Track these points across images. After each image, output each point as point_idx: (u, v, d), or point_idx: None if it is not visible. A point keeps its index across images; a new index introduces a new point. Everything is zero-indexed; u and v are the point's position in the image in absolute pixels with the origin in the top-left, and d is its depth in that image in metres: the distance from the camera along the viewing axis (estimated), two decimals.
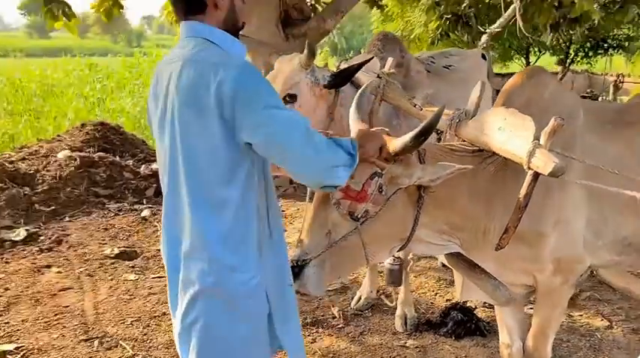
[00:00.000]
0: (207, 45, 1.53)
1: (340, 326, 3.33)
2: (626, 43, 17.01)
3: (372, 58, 2.81)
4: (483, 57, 4.04)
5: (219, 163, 1.51)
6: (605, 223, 2.10)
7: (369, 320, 3.41)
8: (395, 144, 1.72)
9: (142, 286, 3.92)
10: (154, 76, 1.63)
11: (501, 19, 11.53)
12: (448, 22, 9.01)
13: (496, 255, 2.00)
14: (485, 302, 3.58)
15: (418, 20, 14.09)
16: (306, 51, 2.63)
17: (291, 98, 2.65)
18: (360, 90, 2.11)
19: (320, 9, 7.04)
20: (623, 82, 19.00)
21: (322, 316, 3.44)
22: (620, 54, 18.67)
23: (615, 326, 3.40)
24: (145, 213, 5.41)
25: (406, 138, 1.69)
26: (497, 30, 11.07)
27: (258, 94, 1.47)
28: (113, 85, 14.21)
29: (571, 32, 7.54)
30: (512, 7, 10.57)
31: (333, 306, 3.54)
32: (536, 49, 16.74)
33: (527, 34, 11.90)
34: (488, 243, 2.00)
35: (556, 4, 6.36)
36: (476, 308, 3.50)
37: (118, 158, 6.45)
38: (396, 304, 3.33)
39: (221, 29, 1.56)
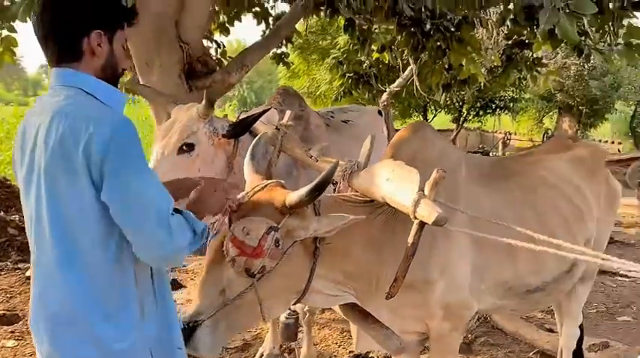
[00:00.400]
0: (81, 96, 1.43)
1: None
2: (511, 104, 18.68)
3: (271, 108, 2.85)
4: (379, 113, 4.25)
5: (90, 225, 1.41)
6: (488, 269, 2.22)
7: None
8: (291, 197, 1.73)
9: (21, 353, 3.56)
10: (21, 126, 1.50)
11: (400, 79, 12.34)
12: (350, 80, 9.41)
13: (389, 303, 2.04)
14: (387, 353, 3.62)
15: (323, 78, 14.71)
16: (204, 101, 2.62)
17: (188, 147, 2.59)
18: (254, 141, 2.13)
19: (225, 63, 7.14)
20: (510, 139, 20.83)
21: None
22: (507, 113, 20.41)
23: None
24: (30, 272, 4.97)
25: (302, 191, 1.71)
26: (396, 89, 11.79)
27: (128, 158, 1.39)
28: (2, 135, 13.29)
29: (462, 92, 8.13)
30: (409, 68, 11.38)
31: None
32: (432, 108, 17.91)
33: (423, 94, 12.77)
34: (380, 292, 2.03)
35: (447, 66, 6.85)
36: None
37: (2, 213, 5.98)
38: None
39: (99, 77, 1.48)
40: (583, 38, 6.47)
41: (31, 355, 3.53)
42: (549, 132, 20.92)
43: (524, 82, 13.71)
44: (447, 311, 2.14)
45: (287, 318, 2.43)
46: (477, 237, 2.07)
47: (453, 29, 6.16)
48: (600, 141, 22.18)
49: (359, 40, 8.60)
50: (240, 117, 2.84)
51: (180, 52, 5.79)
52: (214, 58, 6.76)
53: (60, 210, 1.40)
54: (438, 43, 6.41)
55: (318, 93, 15.14)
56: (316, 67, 15.39)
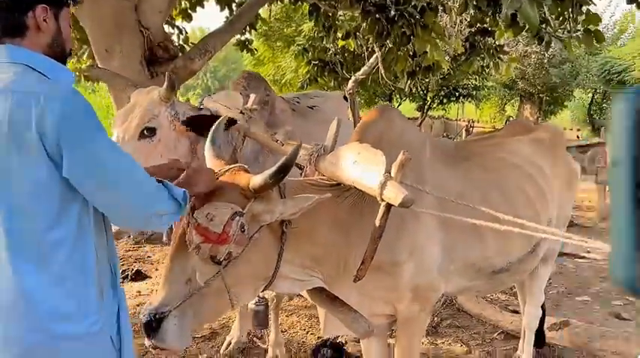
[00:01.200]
0: (28, 72, 1.36)
1: None
2: (474, 92, 18.97)
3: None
4: (345, 99, 4.24)
5: (45, 203, 1.36)
6: (456, 250, 2.23)
7: None
8: (255, 181, 1.69)
9: None
10: None
11: (365, 67, 12.35)
12: (316, 67, 9.35)
13: (357, 286, 2.03)
14: (355, 337, 3.64)
15: (289, 66, 14.59)
16: (166, 83, 2.53)
17: (149, 132, 2.51)
18: (214, 125, 2.07)
19: (187, 49, 6.99)
20: (473, 127, 21.16)
21: None
22: (470, 101, 20.73)
23: (473, 350, 3.61)
24: None
25: (266, 174, 1.67)
26: (361, 77, 11.80)
27: (85, 129, 1.35)
28: None
29: (426, 80, 8.19)
30: (374, 56, 11.40)
31: (200, 354, 3.37)
32: (397, 96, 18.03)
33: (388, 81, 12.81)
34: (348, 275, 2.02)
35: (411, 53, 6.87)
36: (346, 343, 3.52)
37: None
38: (268, 346, 3.24)
39: (46, 54, 1.42)
40: (544, 25, 6.60)
41: None
42: (511, 119, 21.34)
43: (486, 70, 13.90)
44: (416, 293, 2.14)
45: (257, 305, 2.37)
46: (445, 219, 2.08)
47: (417, 15, 6.17)
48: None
49: (324, 26, 8.55)
50: (205, 103, 2.77)
51: (140, 37, 5.64)
52: (177, 44, 6.63)
53: (10, 189, 1.33)
54: (403, 30, 6.41)
55: (283, 81, 15.02)
56: (281, 54, 15.28)
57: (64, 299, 1.39)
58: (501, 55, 8.33)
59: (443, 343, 3.71)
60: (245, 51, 9.30)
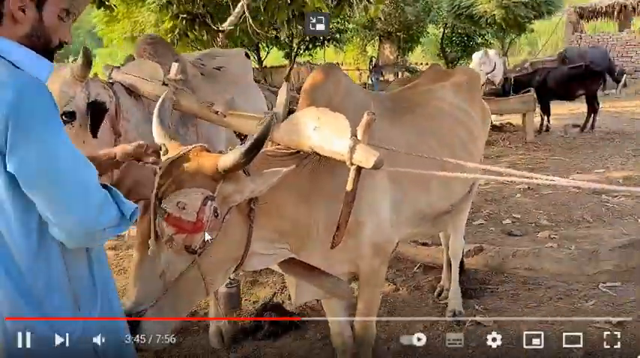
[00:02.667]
0: None
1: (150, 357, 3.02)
2: (338, 35, 19.25)
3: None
4: (247, 56, 4.06)
5: (4, 207, 1.25)
6: (405, 202, 2.30)
7: (182, 346, 3.14)
8: (225, 161, 1.57)
9: None
10: None
11: (232, 17, 11.91)
12: (185, 21, 8.80)
13: (323, 250, 2.02)
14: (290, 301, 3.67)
15: (147, 20, 13.57)
16: (81, 59, 2.21)
17: (68, 116, 2.22)
18: (159, 102, 1.87)
19: None
20: None
21: None
22: (334, 45, 21.02)
23: (401, 287, 3.82)
24: None
25: (236, 154, 1.56)
26: (230, 28, 11.39)
27: (37, 122, 1.22)
28: None
29: (299, 27, 8.11)
30: (239, 4, 11.00)
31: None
32: (264, 45, 17.74)
33: (258, 31, 12.51)
34: (313, 242, 2.01)
35: (289, 1, 6.74)
36: (284, 302, 3.54)
37: None
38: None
39: (26, 45, 1.29)
40: None
41: None
42: (373, 59, 22.07)
43: (349, 13, 14.09)
44: (376, 248, 2.19)
45: (229, 287, 2.26)
46: (393, 173, 2.13)
47: None
48: (417, 64, 24.08)
49: None
50: (114, 76, 2.47)
51: None
52: None
53: None
54: None
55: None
56: (137, 9, 14.12)
57: (29, 311, 1.30)
58: None
59: None
60: (102, 8, 8.48)
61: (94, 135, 2.26)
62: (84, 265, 1.38)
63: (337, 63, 23.48)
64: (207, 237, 1.57)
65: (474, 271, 3.92)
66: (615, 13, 19.76)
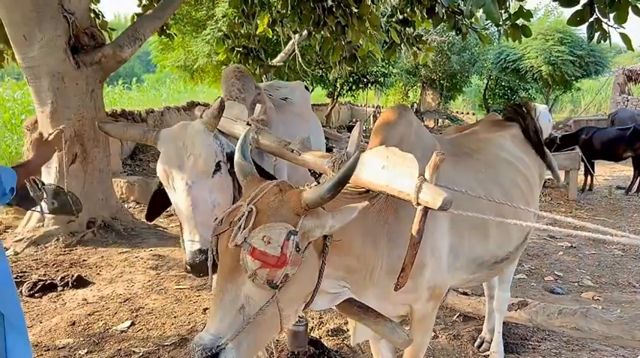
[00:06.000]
0: None
1: None
2: (382, 79, 19.53)
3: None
4: (306, 88, 4.18)
5: None
6: (463, 247, 2.30)
7: None
8: (309, 196, 1.58)
9: None
10: None
11: (282, 54, 12.26)
12: (239, 54, 9.11)
13: (378, 291, 2.03)
14: (330, 331, 3.66)
15: (201, 51, 14.09)
16: (215, 111, 2.28)
17: (218, 167, 2.27)
18: (241, 139, 1.92)
19: (105, 35, 6.50)
20: (380, 113, 21.82)
21: None
22: (377, 88, 21.31)
23: (440, 335, 3.76)
24: None
25: (321, 189, 1.57)
26: (279, 64, 11.72)
27: None
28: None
29: (348, 69, 8.26)
30: (290, 42, 11.33)
31: None
32: (309, 83, 18.12)
33: (305, 68, 12.81)
34: (373, 282, 2.01)
35: (344, 42, 6.91)
36: (321, 338, 3.53)
37: None
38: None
39: None
40: (460, 17, 6.93)
41: None
42: (415, 105, 22.23)
43: (397, 58, 14.35)
44: (432, 292, 2.18)
45: (297, 325, 2.23)
46: (454, 217, 2.14)
47: (353, 7, 6.21)
48: (458, 112, 24.13)
49: (243, 12, 8.37)
50: None
51: (64, 23, 5.19)
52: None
53: None
54: (338, 20, 6.43)
55: (195, 66, 14.49)
56: (190, 38, 14.70)
57: None
58: (420, 45, 8.62)
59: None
60: (163, 35, 8.89)
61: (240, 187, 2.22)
62: None
63: (378, 106, 23.77)
64: (289, 271, 1.57)
65: (516, 326, 3.84)
66: None
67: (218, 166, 2.27)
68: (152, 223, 6.62)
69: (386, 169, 1.87)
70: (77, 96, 5.40)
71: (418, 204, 1.77)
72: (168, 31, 8.94)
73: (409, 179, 1.79)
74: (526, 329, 3.86)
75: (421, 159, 1.83)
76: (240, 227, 1.53)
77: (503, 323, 3.57)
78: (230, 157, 2.33)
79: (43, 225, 5.53)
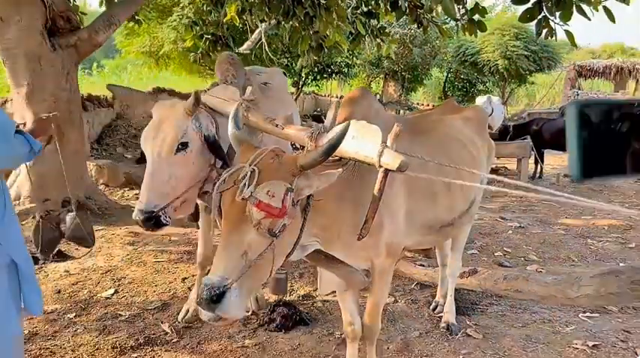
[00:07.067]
0: None
1: (175, 340, 3.33)
2: (346, 69, 19.86)
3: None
4: (284, 74, 4.51)
5: None
6: (416, 212, 2.67)
7: (200, 331, 3.48)
8: (304, 159, 1.90)
9: None
10: None
11: (248, 42, 12.43)
12: (208, 42, 9.28)
13: (346, 246, 2.38)
14: (301, 297, 4.01)
15: (167, 37, 14.11)
16: (192, 100, 2.68)
17: (182, 146, 2.67)
18: (232, 112, 2.23)
19: (78, 19, 6.61)
20: None
21: (153, 334, 3.37)
22: (340, 79, 21.64)
23: (399, 301, 4.16)
24: None
25: (315, 154, 1.89)
26: (245, 52, 11.90)
27: None
28: None
29: (314, 58, 8.56)
30: (257, 31, 11.52)
31: (162, 323, 3.50)
32: None
33: (272, 57, 13.00)
34: (340, 238, 2.36)
35: (311, 32, 7.21)
36: (292, 302, 3.87)
37: None
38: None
39: None
40: (421, 11, 7.33)
41: None
42: (377, 96, 22.69)
43: (362, 49, 14.70)
44: (390, 249, 2.53)
45: (279, 273, 2.59)
46: (410, 186, 2.52)
47: None
48: (418, 104, 24.74)
49: (212, 0, 8.55)
50: (204, 100, 2.88)
51: (41, 5, 5.32)
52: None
53: None
54: (306, 10, 6.72)
55: (161, 52, 14.50)
56: (156, 25, 14.69)
57: None
58: (383, 37, 9.01)
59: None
60: (132, 21, 8.96)
61: (223, 162, 2.79)
62: None
63: (342, 96, 24.04)
64: (286, 222, 1.87)
65: (467, 293, 4.28)
66: (612, 74, 20.59)
67: (184, 146, 2.68)
68: (125, 203, 6.83)
69: (355, 139, 2.21)
70: (53, 79, 5.54)
71: (380, 166, 2.12)
72: (136, 17, 9.02)
73: (373, 146, 2.12)
74: (476, 295, 4.30)
75: (382, 132, 2.18)
76: (245, 184, 1.82)
77: (456, 289, 4.00)
78: (207, 139, 2.78)
79: (19, 203, 5.66)
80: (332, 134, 2.25)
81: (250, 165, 1.89)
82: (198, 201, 2.98)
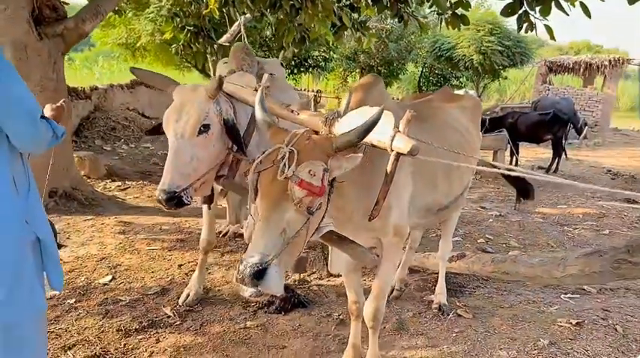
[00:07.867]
0: None
1: (178, 323, 3.40)
2: (323, 63, 19.96)
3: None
4: (282, 65, 4.60)
5: None
6: (419, 196, 2.80)
7: (202, 313, 3.55)
8: (339, 141, 1.98)
9: None
10: None
11: (227, 34, 12.40)
12: (189, 34, 9.26)
13: (356, 226, 2.49)
14: (297, 281, 4.12)
15: (144, 29, 13.95)
16: (215, 84, 2.77)
17: (204, 128, 2.76)
18: (258, 97, 2.32)
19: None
20: (321, 97, 22.29)
21: (156, 318, 3.43)
22: (317, 72, 21.73)
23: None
24: None
25: (350, 136, 1.97)
26: (226, 44, 11.88)
27: (5, 70, 1.85)
28: None
29: (296, 50, 8.65)
30: (236, 23, 11.52)
31: (164, 307, 3.56)
32: None
33: (252, 49, 12.98)
34: (351, 219, 2.47)
35: (296, 24, 7.28)
36: (291, 285, 3.98)
37: None
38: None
39: None
40: (402, 5, 7.46)
41: None
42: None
43: (344, 42, 14.78)
44: (397, 230, 2.66)
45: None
46: (415, 171, 2.65)
47: None
48: (393, 98, 25.00)
49: None
50: (224, 87, 2.94)
51: None
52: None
53: None
54: (292, 2, 6.78)
55: (138, 44, 14.33)
56: (133, 16, 14.50)
57: None
58: (364, 31, 9.13)
59: (364, 280, 4.35)
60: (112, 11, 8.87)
61: (239, 146, 2.89)
62: (20, 163, 2.06)
63: (319, 90, 24.13)
64: (323, 201, 1.94)
65: (455, 276, 4.45)
66: (581, 70, 21.18)
67: (205, 128, 2.77)
68: (110, 195, 6.80)
69: None
70: (39, 68, 5.50)
71: (392, 150, 2.22)
72: (116, 7, 8.94)
73: (387, 130, 2.23)
74: (464, 278, 4.48)
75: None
76: (285, 164, 1.89)
77: (445, 273, 4.16)
78: (226, 123, 2.85)
79: None
80: (355, 118, 2.33)
81: (288, 146, 1.95)
82: (214, 185, 3.06)
